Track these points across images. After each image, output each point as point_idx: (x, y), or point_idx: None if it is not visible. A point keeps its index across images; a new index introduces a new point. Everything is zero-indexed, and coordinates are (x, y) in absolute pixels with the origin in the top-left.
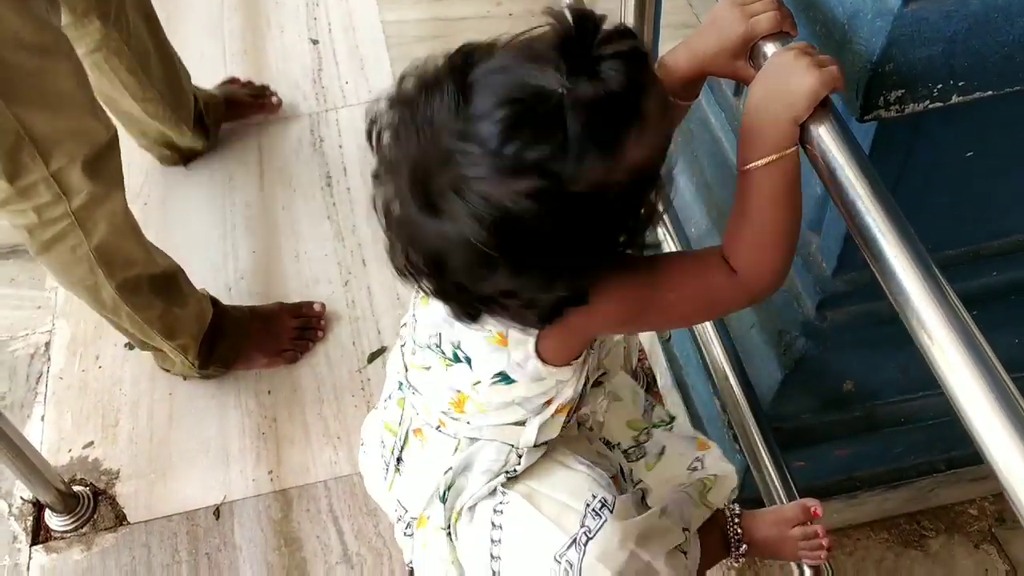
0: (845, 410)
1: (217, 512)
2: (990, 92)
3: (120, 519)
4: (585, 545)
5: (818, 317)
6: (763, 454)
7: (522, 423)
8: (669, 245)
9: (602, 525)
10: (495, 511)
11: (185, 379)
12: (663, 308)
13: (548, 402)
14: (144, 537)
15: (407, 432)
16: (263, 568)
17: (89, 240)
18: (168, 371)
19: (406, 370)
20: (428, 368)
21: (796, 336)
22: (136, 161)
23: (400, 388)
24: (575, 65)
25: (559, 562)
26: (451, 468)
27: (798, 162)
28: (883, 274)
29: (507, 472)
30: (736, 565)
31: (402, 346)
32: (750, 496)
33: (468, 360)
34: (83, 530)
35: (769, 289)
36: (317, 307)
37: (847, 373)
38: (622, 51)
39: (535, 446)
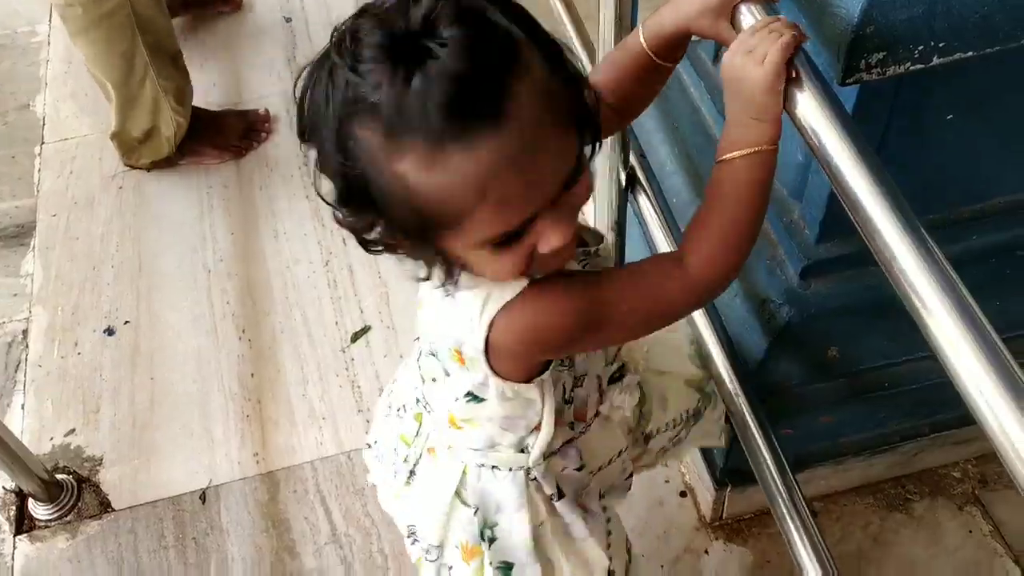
0: (829, 377)
1: (203, 496)
2: (971, 53)
3: (105, 506)
4: None
5: (801, 284)
6: (750, 423)
7: (523, 450)
8: (651, 216)
9: None
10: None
11: (149, 170)
12: (614, 323)
13: (537, 427)
14: (130, 523)
15: (423, 449)
16: (252, 551)
17: (134, 8)
18: (132, 166)
19: (423, 383)
20: (434, 380)
21: (780, 304)
22: (112, 145)
23: (417, 403)
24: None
25: None
26: (476, 507)
27: (775, 159)
28: (871, 236)
29: (551, 496)
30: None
31: (418, 358)
32: (737, 467)
33: (447, 372)
34: (67, 518)
35: (720, 288)
36: (262, 111)
37: (831, 340)
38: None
39: (546, 458)
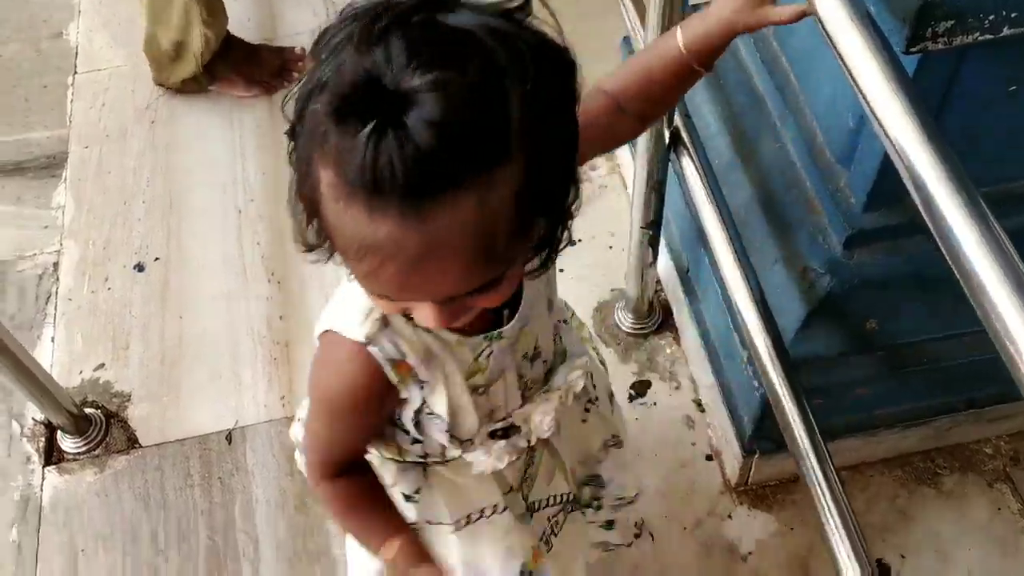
0: (867, 349)
1: (229, 437)
2: None
3: (132, 442)
4: None
5: (845, 254)
6: (784, 392)
7: None
8: (693, 177)
9: None
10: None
11: (179, 91)
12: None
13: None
14: (157, 460)
15: None
16: (276, 494)
17: None
18: (162, 85)
19: None
20: None
21: (821, 273)
22: (144, 76)
23: None
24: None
25: None
26: None
27: None
28: (929, 209)
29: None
30: None
31: None
32: (766, 434)
33: None
34: (96, 452)
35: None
36: (298, 50)
37: (871, 312)
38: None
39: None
